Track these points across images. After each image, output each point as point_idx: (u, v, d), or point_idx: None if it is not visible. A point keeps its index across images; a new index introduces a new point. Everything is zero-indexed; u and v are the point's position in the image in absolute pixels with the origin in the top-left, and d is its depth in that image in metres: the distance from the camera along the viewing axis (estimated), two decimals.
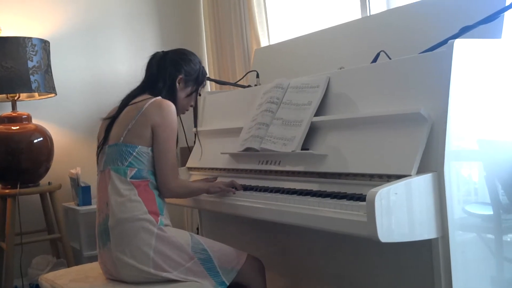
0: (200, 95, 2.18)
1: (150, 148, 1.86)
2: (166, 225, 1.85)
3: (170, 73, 2.01)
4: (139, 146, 1.85)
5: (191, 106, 2.13)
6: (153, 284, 1.78)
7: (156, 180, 1.88)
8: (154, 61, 2.05)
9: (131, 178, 1.83)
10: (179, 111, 2.05)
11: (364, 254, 1.90)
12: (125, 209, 1.80)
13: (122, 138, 1.87)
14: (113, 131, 1.92)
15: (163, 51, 2.09)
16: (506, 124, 1.62)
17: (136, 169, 1.85)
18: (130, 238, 1.78)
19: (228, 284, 1.86)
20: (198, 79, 2.09)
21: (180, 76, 2.03)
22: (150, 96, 1.94)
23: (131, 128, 1.86)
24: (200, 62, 2.12)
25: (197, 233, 2.87)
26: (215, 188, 2.04)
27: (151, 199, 1.84)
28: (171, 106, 1.90)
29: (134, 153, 1.85)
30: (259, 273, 1.97)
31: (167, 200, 1.95)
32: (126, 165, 1.84)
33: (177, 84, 2.02)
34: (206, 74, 2.14)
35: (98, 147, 1.97)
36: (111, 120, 1.95)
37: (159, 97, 1.92)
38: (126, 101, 1.97)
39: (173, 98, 1.99)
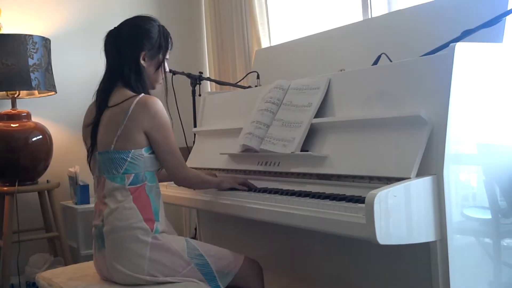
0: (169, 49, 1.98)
1: (144, 149, 1.81)
2: (161, 232, 1.82)
3: (131, 55, 1.87)
4: (132, 150, 1.79)
5: (165, 73, 1.98)
6: (148, 285, 1.76)
7: (153, 181, 1.85)
8: (110, 43, 1.90)
9: (129, 185, 1.79)
10: (153, 87, 1.95)
11: (363, 256, 1.89)
12: (120, 217, 1.76)
13: (112, 146, 1.79)
14: (100, 136, 1.85)
15: (115, 28, 1.93)
16: (506, 128, 1.62)
17: (133, 174, 1.80)
18: (124, 247, 1.75)
19: None
20: (161, 46, 1.92)
21: (143, 53, 1.88)
22: (131, 94, 1.82)
23: (121, 134, 1.79)
24: (158, 26, 1.94)
25: (195, 234, 2.87)
26: (226, 184, 2.02)
27: (147, 205, 1.80)
28: (157, 103, 1.81)
29: (129, 159, 1.79)
30: (257, 275, 1.95)
31: (165, 200, 1.94)
32: (122, 172, 1.79)
33: (142, 61, 1.88)
34: (168, 34, 1.97)
35: (88, 154, 1.90)
36: (94, 125, 1.86)
37: (142, 96, 1.81)
38: (103, 100, 1.87)
39: (141, 79, 1.88)
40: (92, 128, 1.87)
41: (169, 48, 1.99)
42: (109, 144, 1.81)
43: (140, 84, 1.87)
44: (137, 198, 1.79)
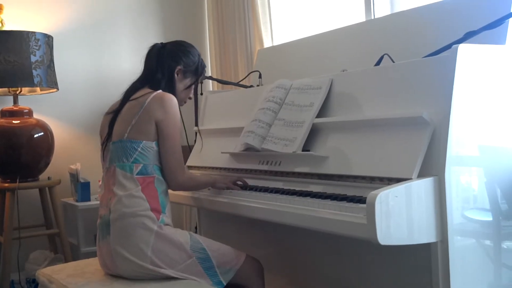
0: (202, 83, 2.15)
1: (154, 143, 1.87)
2: (166, 224, 1.85)
3: (168, 64, 2.01)
4: (144, 141, 1.85)
5: (189, 98, 2.14)
6: (150, 281, 1.78)
7: (162, 176, 1.89)
8: (153, 52, 2.04)
9: (137, 174, 1.84)
10: (178, 103, 2.01)
11: (363, 256, 1.90)
12: (128, 204, 1.80)
13: (126, 135, 1.87)
14: (116, 127, 1.92)
15: (161, 43, 2.09)
16: (508, 130, 1.62)
17: (141, 165, 1.85)
18: (129, 233, 1.78)
19: (225, 284, 1.86)
20: (197, 71, 2.08)
21: (179, 67, 2.02)
22: (151, 90, 1.93)
23: (135, 124, 1.86)
24: (199, 55, 2.11)
25: (195, 232, 2.87)
26: (220, 184, 2.05)
27: (154, 197, 1.84)
28: (173, 99, 1.91)
29: (139, 149, 1.85)
30: (257, 274, 1.97)
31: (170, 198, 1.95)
32: (132, 161, 1.85)
33: (176, 75, 2.02)
34: (205, 66, 2.15)
35: (102, 144, 1.97)
36: (114, 115, 1.95)
37: (160, 91, 1.92)
38: (128, 95, 1.96)
39: (172, 89, 1.99)
40: (112, 116, 1.95)
41: (202, 77, 2.15)
42: (123, 133, 1.88)
43: (168, 90, 1.96)
44: (146, 189, 1.84)
